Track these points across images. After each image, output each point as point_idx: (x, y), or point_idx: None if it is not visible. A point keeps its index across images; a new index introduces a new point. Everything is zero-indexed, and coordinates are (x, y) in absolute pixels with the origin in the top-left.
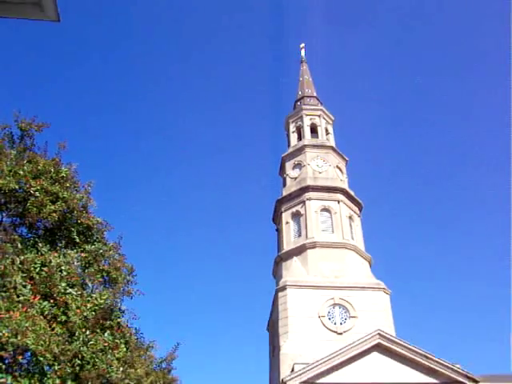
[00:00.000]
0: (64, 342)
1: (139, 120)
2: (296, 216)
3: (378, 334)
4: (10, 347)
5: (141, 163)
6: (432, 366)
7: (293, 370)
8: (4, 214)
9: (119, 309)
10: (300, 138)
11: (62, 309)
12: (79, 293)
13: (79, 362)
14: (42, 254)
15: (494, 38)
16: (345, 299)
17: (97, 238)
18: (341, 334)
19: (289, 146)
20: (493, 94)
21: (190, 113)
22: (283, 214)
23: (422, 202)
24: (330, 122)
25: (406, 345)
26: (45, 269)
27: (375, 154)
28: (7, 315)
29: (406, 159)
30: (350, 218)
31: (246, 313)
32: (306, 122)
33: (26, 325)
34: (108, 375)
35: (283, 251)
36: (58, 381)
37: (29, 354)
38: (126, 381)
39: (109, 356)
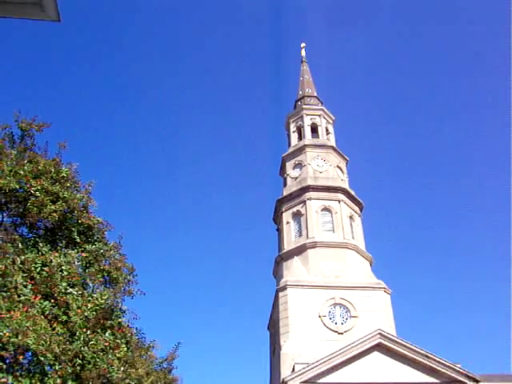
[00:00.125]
0: (65, 341)
1: (139, 120)
2: (297, 216)
3: (379, 333)
4: (10, 347)
5: (141, 163)
6: (433, 365)
7: (293, 370)
8: (5, 214)
9: (120, 309)
10: (300, 137)
11: (62, 309)
12: (80, 293)
13: (80, 361)
14: (42, 254)
15: (494, 37)
16: (345, 299)
17: (97, 237)
18: (341, 333)
19: (289, 145)
20: (493, 94)
21: (190, 113)
22: (284, 214)
23: (422, 201)
24: (331, 122)
25: (406, 344)
26: (45, 269)
27: (375, 154)
28: (8, 315)
29: (406, 159)
30: (351, 217)
31: (246, 312)
32: (307, 121)
33: (27, 325)
34: (109, 375)
35: (284, 251)
36: (58, 380)
37: (30, 353)
38: (127, 380)
39: (110, 356)
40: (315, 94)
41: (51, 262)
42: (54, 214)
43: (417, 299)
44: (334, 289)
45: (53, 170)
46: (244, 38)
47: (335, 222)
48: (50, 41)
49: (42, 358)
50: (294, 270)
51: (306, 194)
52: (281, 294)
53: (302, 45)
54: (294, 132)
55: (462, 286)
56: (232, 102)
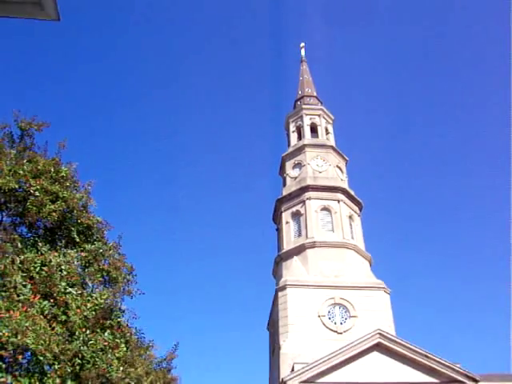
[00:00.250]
0: (64, 341)
1: (139, 119)
2: (296, 215)
3: (378, 333)
4: (10, 347)
5: (141, 163)
6: (432, 365)
7: (293, 370)
8: (4, 214)
9: (119, 308)
10: (300, 137)
11: (62, 308)
12: (79, 292)
13: (79, 361)
14: (41, 254)
15: (494, 37)
16: (345, 299)
17: (97, 237)
18: (341, 333)
19: (289, 145)
20: (493, 94)
21: (190, 112)
22: (283, 214)
23: (422, 201)
24: (330, 122)
25: (406, 344)
26: (45, 268)
27: (375, 154)
28: (7, 315)
29: (405, 159)
30: (350, 217)
31: (246, 312)
32: (306, 121)
33: (26, 324)
34: (108, 374)
35: (283, 251)
36: (58, 380)
37: (29, 353)
38: (126, 380)
39: (109, 355)
40: (315, 94)
41: (50, 261)
42: (54, 214)
43: (416, 299)
44: (334, 289)
45: (52, 169)
46: (244, 38)
47: (335, 222)
48: (50, 40)
49: (41, 358)
50: (293, 270)
51: (306, 193)
52: (280, 293)
53: (302, 44)
54: (293, 132)
55: (461, 286)
56: (231, 101)
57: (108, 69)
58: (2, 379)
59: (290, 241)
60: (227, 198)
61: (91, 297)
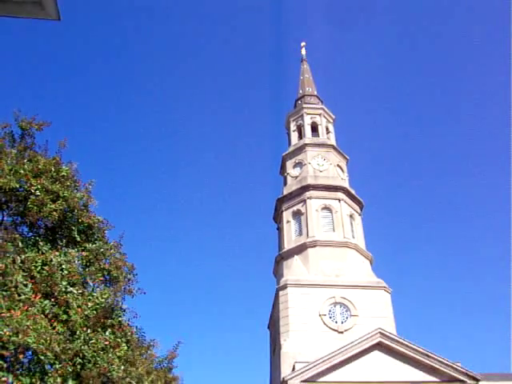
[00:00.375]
0: (65, 340)
1: (140, 119)
2: (297, 215)
3: (379, 332)
4: (11, 346)
5: (141, 162)
6: (433, 364)
7: (294, 369)
8: (5, 213)
9: (120, 307)
10: (301, 136)
11: (63, 308)
12: (80, 292)
13: (80, 360)
14: (42, 253)
15: (494, 37)
16: (346, 298)
17: (97, 236)
18: (342, 332)
19: (289, 144)
20: (493, 94)
21: (190, 112)
22: (284, 213)
23: (422, 201)
24: (331, 121)
25: (406, 343)
26: (46, 268)
27: (375, 153)
28: (8, 314)
29: (405, 159)
30: (351, 216)
31: (246, 311)
32: (307, 120)
33: (27, 323)
34: (109, 374)
35: (284, 250)
36: (59, 379)
37: (30, 352)
38: (127, 379)
39: (110, 355)
40: (315, 93)
41: (51, 260)
42: (54, 213)
43: (417, 298)
44: (335, 288)
45: (53, 168)
46: (244, 37)
47: (335, 221)
48: (50, 40)
49: (43, 357)
50: (294, 269)
51: (307, 192)
52: (281, 293)
53: (303, 44)
54: (294, 131)
55: (462, 286)
56: (232, 100)
57: (108, 69)
58: (4, 378)
59: (290, 240)
60: (227, 198)
61: (92, 296)
